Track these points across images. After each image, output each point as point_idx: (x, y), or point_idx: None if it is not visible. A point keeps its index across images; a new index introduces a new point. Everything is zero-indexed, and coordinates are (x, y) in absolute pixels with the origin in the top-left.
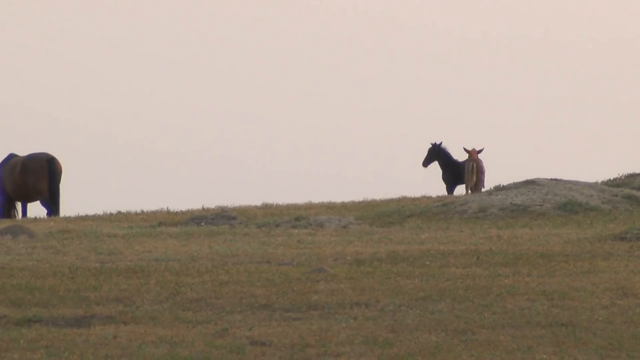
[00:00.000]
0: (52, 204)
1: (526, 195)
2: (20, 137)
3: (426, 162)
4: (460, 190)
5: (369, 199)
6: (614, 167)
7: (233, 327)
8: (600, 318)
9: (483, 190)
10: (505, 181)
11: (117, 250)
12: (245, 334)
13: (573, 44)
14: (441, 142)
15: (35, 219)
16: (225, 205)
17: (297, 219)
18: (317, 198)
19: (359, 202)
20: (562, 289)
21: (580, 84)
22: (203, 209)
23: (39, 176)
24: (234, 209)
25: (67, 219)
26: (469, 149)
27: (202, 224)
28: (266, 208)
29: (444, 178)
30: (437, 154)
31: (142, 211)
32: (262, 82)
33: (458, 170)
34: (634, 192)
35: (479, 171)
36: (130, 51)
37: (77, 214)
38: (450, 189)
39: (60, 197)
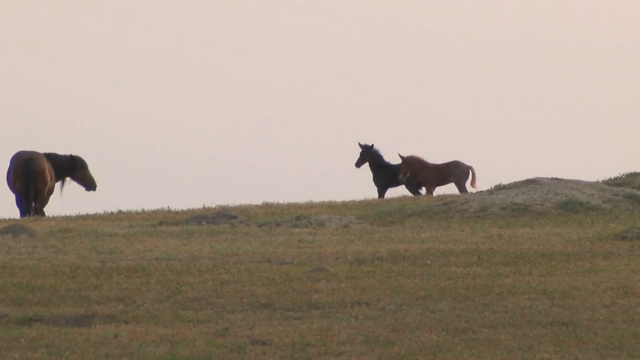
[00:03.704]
0: (26, 204)
1: (527, 195)
2: (21, 137)
3: (359, 163)
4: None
5: (370, 198)
6: (615, 166)
7: (234, 326)
8: (601, 317)
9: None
10: (506, 180)
11: (117, 249)
12: (246, 333)
13: (573, 43)
14: (373, 145)
15: (35, 218)
16: (226, 204)
17: (298, 218)
18: (318, 197)
19: (360, 201)
20: (563, 288)
21: (580, 84)
22: (204, 208)
23: (16, 175)
24: (235, 208)
25: (68, 218)
26: (404, 155)
27: (203, 223)
28: (267, 207)
29: (376, 180)
30: (370, 155)
31: (143, 210)
32: (262, 82)
33: (390, 173)
34: (635, 192)
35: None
36: (132, 51)
37: (77, 213)
38: (382, 191)
39: (28, 198)
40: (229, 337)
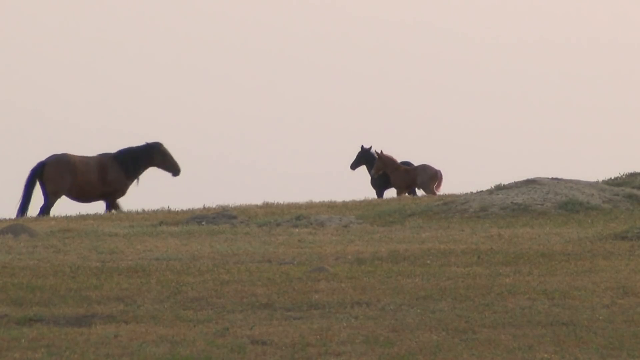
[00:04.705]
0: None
1: (527, 195)
2: (21, 137)
3: (354, 166)
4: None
5: (370, 198)
6: (615, 166)
7: (234, 326)
8: (601, 317)
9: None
10: (506, 180)
11: (118, 250)
12: (246, 333)
13: (573, 44)
14: (370, 147)
15: (36, 218)
16: (226, 204)
17: (298, 218)
18: (318, 197)
19: (360, 201)
20: (563, 288)
21: (580, 84)
22: (204, 208)
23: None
24: (235, 208)
25: (68, 218)
26: (378, 151)
27: (203, 223)
28: (267, 207)
29: (373, 182)
30: (365, 158)
31: (143, 210)
32: (262, 82)
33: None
34: (635, 191)
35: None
36: (132, 51)
37: (78, 213)
38: (380, 192)
39: (25, 200)
40: (229, 337)
